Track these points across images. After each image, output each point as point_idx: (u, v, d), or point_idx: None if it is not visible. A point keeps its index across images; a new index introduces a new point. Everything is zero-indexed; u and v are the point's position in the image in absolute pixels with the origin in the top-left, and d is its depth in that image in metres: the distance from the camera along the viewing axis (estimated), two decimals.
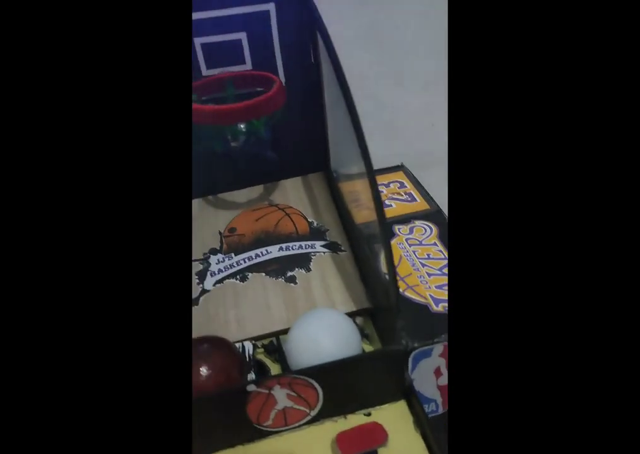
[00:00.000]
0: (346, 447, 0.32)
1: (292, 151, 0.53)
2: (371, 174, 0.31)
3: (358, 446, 0.32)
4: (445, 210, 0.50)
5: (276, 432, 0.33)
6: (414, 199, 0.51)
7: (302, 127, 0.51)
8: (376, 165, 0.31)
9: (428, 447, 0.33)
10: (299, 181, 0.56)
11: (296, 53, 0.46)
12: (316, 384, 0.31)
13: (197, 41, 0.43)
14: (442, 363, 0.37)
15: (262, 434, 0.32)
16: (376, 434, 0.33)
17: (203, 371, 0.31)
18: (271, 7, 0.42)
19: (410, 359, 0.35)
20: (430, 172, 0.55)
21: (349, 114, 0.32)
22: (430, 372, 0.37)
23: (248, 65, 0.45)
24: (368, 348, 0.39)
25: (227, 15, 0.42)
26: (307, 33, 0.45)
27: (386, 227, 0.34)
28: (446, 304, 0.38)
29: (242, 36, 0.44)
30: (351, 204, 0.49)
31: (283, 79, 0.47)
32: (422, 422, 0.33)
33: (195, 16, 0.42)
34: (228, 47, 0.44)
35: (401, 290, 0.39)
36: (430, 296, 0.39)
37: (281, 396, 0.31)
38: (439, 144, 0.69)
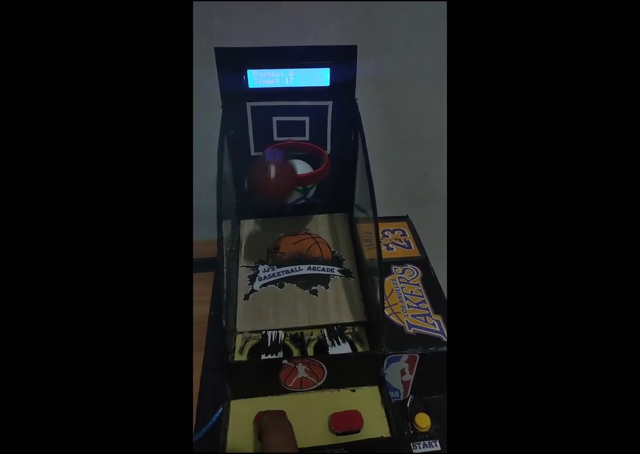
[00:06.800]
0: (336, 423, 0.47)
1: (328, 196, 0.71)
2: (376, 223, 0.50)
3: (344, 426, 0.47)
4: (430, 256, 0.68)
5: (294, 392, 0.51)
6: (410, 246, 0.69)
7: (338, 180, 0.69)
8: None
9: (388, 419, 0.49)
10: (328, 218, 0.74)
11: (341, 132, 0.64)
12: (324, 367, 0.50)
13: (275, 119, 0.61)
14: (407, 366, 0.54)
15: (286, 392, 0.51)
16: (356, 419, 0.48)
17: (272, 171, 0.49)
18: (329, 104, 0.61)
19: (385, 361, 0.53)
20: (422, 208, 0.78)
21: (367, 176, 0.51)
22: (397, 371, 0.54)
23: (306, 137, 0.63)
24: (360, 349, 0.57)
25: (300, 105, 0.60)
26: (351, 121, 0.63)
27: (382, 266, 0.50)
28: (416, 329, 0.56)
29: (306, 119, 0.62)
30: (364, 243, 0.67)
31: (329, 150, 0.65)
32: (386, 402, 0.51)
33: (279, 103, 0.60)
34: (295, 125, 0.62)
35: (387, 313, 0.58)
36: (406, 321, 0.57)
37: (301, 370, 0.50)
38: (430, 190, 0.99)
